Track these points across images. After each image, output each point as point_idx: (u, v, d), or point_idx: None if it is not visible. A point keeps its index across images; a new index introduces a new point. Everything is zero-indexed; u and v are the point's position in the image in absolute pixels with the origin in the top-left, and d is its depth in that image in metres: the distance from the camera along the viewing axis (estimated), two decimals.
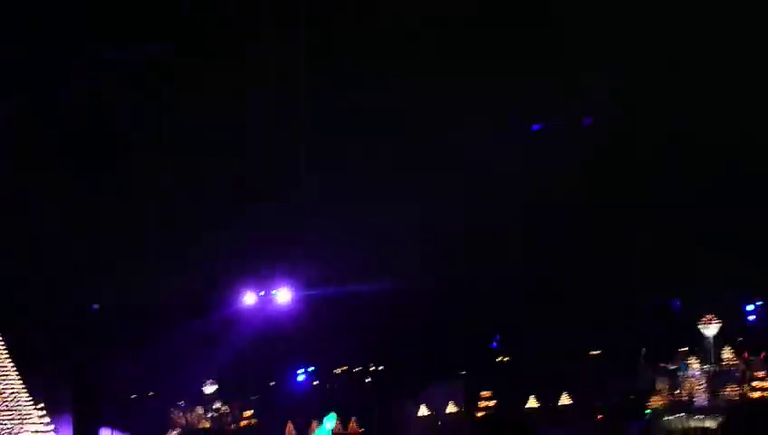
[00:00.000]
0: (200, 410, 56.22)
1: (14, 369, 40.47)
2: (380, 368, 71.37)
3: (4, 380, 39.97)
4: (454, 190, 37.41)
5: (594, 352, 65.00)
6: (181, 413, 55.90)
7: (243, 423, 56.27)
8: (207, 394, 56.78)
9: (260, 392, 61.82)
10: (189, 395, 57.47)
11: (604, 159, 38.08)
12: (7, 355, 40.64)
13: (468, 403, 62.60)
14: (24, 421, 39.63)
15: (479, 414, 59.79)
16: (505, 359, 67.09)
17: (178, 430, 50.80)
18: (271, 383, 65.86)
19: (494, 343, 66.19)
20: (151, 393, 59.18)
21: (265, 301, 42.34)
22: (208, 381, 56.70)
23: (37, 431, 39.44)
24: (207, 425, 53.56)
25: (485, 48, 29.37)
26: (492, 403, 61.57)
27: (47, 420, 39.32)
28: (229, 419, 54.94)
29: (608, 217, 44.61)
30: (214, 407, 55.87)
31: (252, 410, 57.10)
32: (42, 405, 39.92)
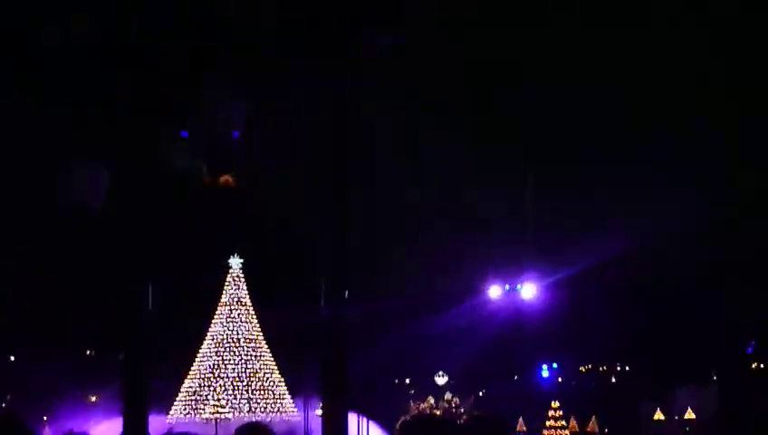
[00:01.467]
0: (431, 399, 56.90)
1: (269, 351, 42.49)
2: (627, 368, 69.83)
3: (259, 360, 42.05)
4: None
5: None
6: (413, 402, 56.89)
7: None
8: (440, 386, 57.42)
9: (498, 386, 61.79)
10: (424, 385, 58.34)
11: None
12: (263, 337, 42.73)
13: (725, 410, 59.89)
14: (277, 402, 41.55)
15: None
16: (761, 365, 64.14)
17: (409, 417, 51.61)
18: (515, 377, 65.83)
19: (750, 349, 63.31)
20: (396, 381, 60.52)
21: (510, 295, 42.30)
22: (440, 373, 57.25)
23: (288, 412, 41.28)
24: (438, 414, 54.12)
25: None
26: None
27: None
28: (460, 411, 55.22)
29: None
30: (445, 398, 56.35)
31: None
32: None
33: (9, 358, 59.20)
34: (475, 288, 44.62)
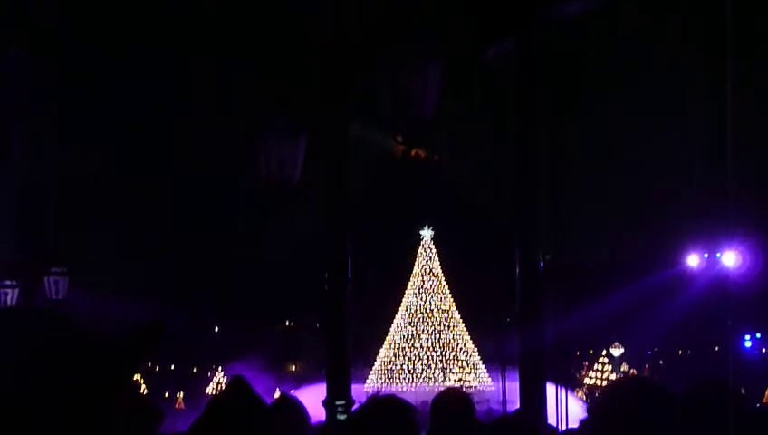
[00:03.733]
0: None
1: (462, 321, 42.69)
2: None
3: (452, 330, 42.35)
4: None
5: None
6: (584, 372, 56.03)
7: None
8: (615, 357, 56.12)
9: (680, 359, 59.84)
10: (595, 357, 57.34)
11: None
12: (455, 307, 42.95)
13: None
14: (472, 371, 41.74)
15: None
16: None
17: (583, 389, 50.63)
18: (716, 348, 63.74)
19: None
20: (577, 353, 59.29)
21: (710, 263, 40.89)
22: (616, 344, 55.91)
23: (483, 382, 41.38)
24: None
25: None
26: None
27: None
28: None
29: None
30: (621, 369, 55.07)
31: None
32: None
33: (214, 329, 61.80)
34: (671, 257, 43.40)
